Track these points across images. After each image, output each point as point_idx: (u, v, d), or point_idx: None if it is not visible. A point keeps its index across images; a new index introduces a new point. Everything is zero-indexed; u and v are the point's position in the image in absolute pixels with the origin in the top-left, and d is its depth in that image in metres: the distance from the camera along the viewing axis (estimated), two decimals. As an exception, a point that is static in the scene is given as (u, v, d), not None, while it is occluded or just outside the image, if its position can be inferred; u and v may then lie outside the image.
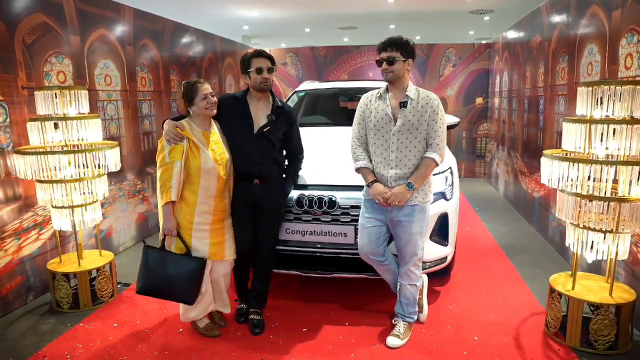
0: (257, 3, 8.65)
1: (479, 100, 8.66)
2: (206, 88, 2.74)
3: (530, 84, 5.67)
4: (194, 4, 8.57)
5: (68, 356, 2.79)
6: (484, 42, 8.92)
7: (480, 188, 7.86)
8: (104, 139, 3.64)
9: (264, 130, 2.88)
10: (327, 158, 3.52)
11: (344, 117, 4.95)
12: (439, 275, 3.72)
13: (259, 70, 2.84)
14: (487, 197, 7.13)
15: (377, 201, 2.73)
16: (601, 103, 2.64)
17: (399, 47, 2.67)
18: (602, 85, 2.63)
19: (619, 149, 2.59)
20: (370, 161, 2.82)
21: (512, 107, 6.71)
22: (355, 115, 2.91)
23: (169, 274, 2.72)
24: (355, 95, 5.29)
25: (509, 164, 6.80)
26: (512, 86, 6.71)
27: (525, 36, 5.97)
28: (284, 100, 3.45)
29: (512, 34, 6.77)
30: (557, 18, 4.68)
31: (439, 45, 8.76)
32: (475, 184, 8.24)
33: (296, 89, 5.28)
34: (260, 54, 2.89)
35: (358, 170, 2.84)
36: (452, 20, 10.41)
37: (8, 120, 3.35)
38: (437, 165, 2.74)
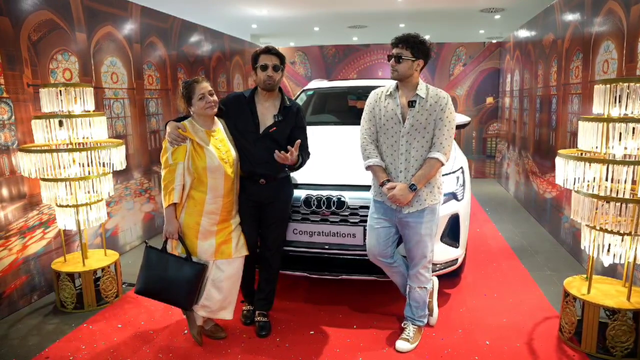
0: (267, 1, 8.60)
1: (490, 99, 8.55)
2: (203, 87, 2.64)
3: (542, 83, 5.56)
4: (203, 2, 8.54)
5: (71, 357, 2.75)
6: (494, 41, 8.80)
7: (491, 188, 7.76)
8: (110, 137, 3.60)
9: (270, 130, 2.81)
10: (335, 157, 3.45)
11: (352, 116, 4.88)
12: (449, 277, 3.64)
13: (264, 68, 2.76)
14: (498, 198, 7.03)
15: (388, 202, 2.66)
16: (619, 101, 2.55)
17: (410, 45, 2.57)
18: (620, 83, 2.54)
19: (638, 149, 2.50)
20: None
21: (523, 106, 6.60)
22: (365, 112, 2.82)
23: (167, 276, 2.67)
24: (364, 94, 5.21)
25: (519, 164, 6.69)
26: (523, 85, 6.60)
27: (537, 34, 5.86)
28: (293, 99, 3.36)
29: (523, 33, 6.66)
30: (571, 16, 4.58)
31: (449, 44, 8.66)
32: (485, 184, 8.13)
33: (305, 88, 5.22)
34: (269, 50, 2.81)
35: (369, 168, 2.74)
36: (462, 19, 10.30)
37: (13, 117, 3.32)
38: (442, 165, 2.63)
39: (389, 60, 2.65)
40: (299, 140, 2.72)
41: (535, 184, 5.77)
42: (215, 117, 2.78)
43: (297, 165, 2.83)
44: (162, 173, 2.67)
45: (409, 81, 2.65)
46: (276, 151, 2.66)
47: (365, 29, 11.78)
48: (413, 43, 2.57)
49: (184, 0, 8.25)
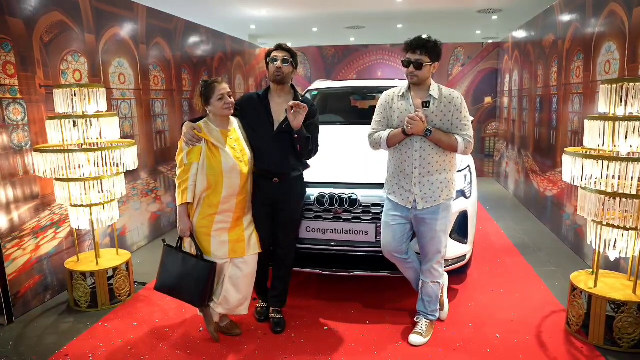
0: (266, 2, 8.65)
1: (488, 99, 8.65)
2: (223, 88, 2.70)
3: (542, 83, 5.65)
4: (202, 2, 8.57)
5: (90, 355, 2.79)
6: (490, 41, 8.91)
7: (490, 187, 7.85)
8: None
9: (284, 126, 2.85)
10: (346, 156, 3.51)
11: (357, 116, 4.96)
12: (456, 273, 3.72)
13: (273, 60, 2.82)
14: (498, 196, 7.12)
15: (408, 122, 2.61)
16: (625, 100, 2.63)
17: (428, 51, 2.61)
18: (626, 83, 2.62)
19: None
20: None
21: (522, 106, 6.69)
22: (376, 113, 2.89)
23: (180, 273, 2.74)
24: (368, 94, 5.29)
25: (519, 163, 6.78)
26: (522, 85, 6.70)
27: (537, 35, 5.95)
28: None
29: (522, 33, 6.75)
30: (571, 17, 4.66)
31: (448, 44, 8.74)
32: (485, 183, 8.21)
33: (309, 88, 5.27)
34: (280, 46, 2.88)
35: (388, 139, 2.73)
36: (459, 19, 10.40)
37: (26, 118, 3.35)
38: (457, 149, 2.69)
39: (405, 66, 2.69)
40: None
41: (535, 182, 5.86)
42: (231, 117, 2.83)
43: (307, 151, 2.87)
44: (177, 172, 2.72)
45: (423, 83, 2.72)
46: (291, 102, 2.73)
47: (362, 30, 11.85)
48: (431, 48, 2.61)
49: (182, 1, 8.28)
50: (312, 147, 2.91)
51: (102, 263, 3.48)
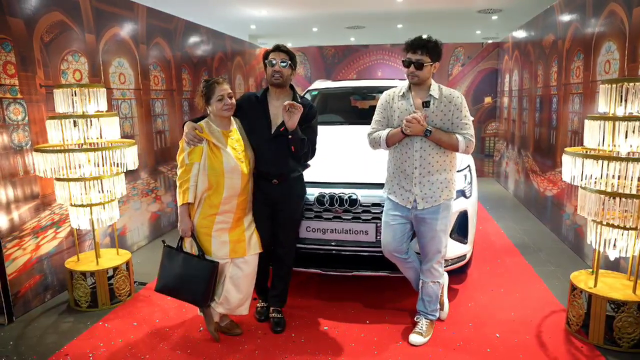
0: (266, 2, 8.65)
1: (488, 99, 8.65)
2: (224, 89, 2.69)
3: (542, 83, 5.66)
4: (202, 2, 8.58)
5: (90, 355, 2.79)
6: (490, 41, 8.91)
7: (490, 187, 7.85)
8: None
9: (281, 129, 2.84)
10: (346, 156, 3.52)
11: (357, 116, 4.96)
12: (456, 273, 3.72)
13: (272, 63, 2.80)
14: (497, 196, 7.12)
15: (406, 125, 2.61)
16: (625, 100, 2.63)
17: (429, 51, 2.61)
18: (626, 83, 2.62)
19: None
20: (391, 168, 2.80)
21: (522, 106, 6.69)
22: (376, 112, 2.89)
23: (182, 274, 2.74)
24: (368, 94, 5.29)
25: (519, 163, 6.78)
26: (522, 85, 6.70)
27: (537, 35, 5.95)
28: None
29: (522, 33, 6.76)
30: (571, 16, 4.67)
31: (448, 44, 8.74)
32: (485, 183, 8.21)
33: (309, 88, 5.27)
34: (278, 48, 2.85)
35: (387, 138, 2.73)
36: (459, 19, 10.41)
37: (27, 118, 3.35)
38: (458, 148, 2.68)
39: (406, 66, 2.68)
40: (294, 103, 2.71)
41: (535, 182, 5.86)
42: (232, 117, 2.83)
43: (303, 153, 2.85)
44: (178, 172, 2.72)
45: (424, 83, 2.72)
46: (286, 102, 2.70)
47: (362, 30, 11.86)
48: (432, 48, 2.61)
49: (182, 1, 8.28)
50: (307, 150, 2.89)
51: (102, 263, 3.48)
